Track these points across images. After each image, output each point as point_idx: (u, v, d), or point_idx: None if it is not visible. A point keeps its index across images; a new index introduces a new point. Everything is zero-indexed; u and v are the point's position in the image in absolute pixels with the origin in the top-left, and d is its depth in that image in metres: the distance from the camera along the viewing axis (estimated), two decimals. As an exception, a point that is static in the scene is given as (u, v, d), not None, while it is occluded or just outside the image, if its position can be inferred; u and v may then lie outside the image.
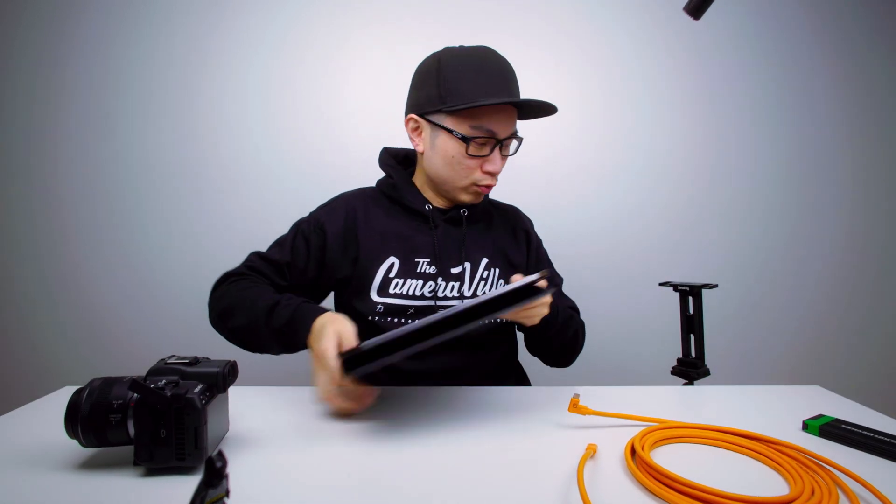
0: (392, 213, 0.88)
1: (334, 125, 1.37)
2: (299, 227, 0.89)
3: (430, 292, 0.82)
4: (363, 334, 0.61)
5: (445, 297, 0.84)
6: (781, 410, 0.61)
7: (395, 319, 0.81)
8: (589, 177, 1.42)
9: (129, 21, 1.34)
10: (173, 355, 0.47)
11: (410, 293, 0.81)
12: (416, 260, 0.83)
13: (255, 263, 0.86)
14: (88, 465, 0.44)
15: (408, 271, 0.82)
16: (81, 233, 1.35)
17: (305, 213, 1.42)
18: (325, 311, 0.67)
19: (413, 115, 0.83)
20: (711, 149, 1.43)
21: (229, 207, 1.37)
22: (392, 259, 0.82)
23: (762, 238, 1.43)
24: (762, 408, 0.63)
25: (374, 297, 0.81)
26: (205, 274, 1.37)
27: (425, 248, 0.84)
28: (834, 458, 0.47)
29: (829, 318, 1.46)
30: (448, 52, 0.82)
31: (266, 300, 0.73)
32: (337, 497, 0.40)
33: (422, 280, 0.82)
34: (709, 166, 1.43)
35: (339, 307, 0.89)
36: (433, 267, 0.84)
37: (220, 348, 1.43)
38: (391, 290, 0.81)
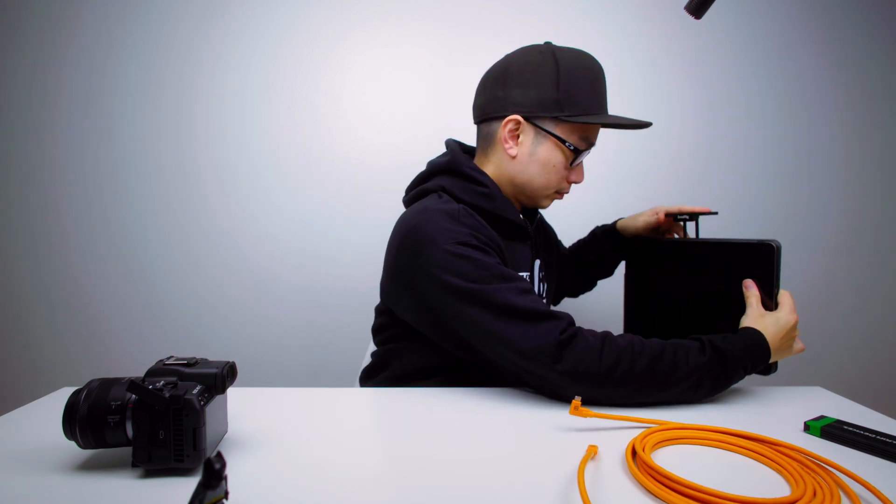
0: (491, 225, 0.75)
1: (333, 126, 1.37)
2: (486, 259, 0.66)
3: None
4: None
5: None
6: (783, 411, 0.61)
7: None
8: (591, 175, 1.42)
9: (125, 22, 1.34)
10: (171, 356, 0.47)
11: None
12: (521, 274, 0.78)
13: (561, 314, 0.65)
14: (86, 467, 0.44)
15: (533, 280, 0.83)
16: (79, 234, 1.35)
17: (301, 215, 1.42)
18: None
19: (516, 117, 0.75)
20: (710, 149, 1.43)
21: (228, 208, 1.37)
22: (524, 274, 0.79)
23: (763, 237, 1.43)
24: (763, 409, 0.62)
25: None
26: (203, 275, 1.38)
27: (525, 261, 0.80)
28: (836, 460, 0.47)
29: (831, 318, 1.46)
30: (563, 52, 0.75)
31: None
32: (337, 498, 0.40)
33: (541, 283, 0.85)
34: (706, 166, 1.43)
35: None
36: (542, 271, 0.86)
37: (218, 349, 1.44)
38: None
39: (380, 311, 0.83)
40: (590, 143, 0.77)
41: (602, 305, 1.37)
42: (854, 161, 1.45)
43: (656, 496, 0.40)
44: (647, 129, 1.41)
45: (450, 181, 0.77)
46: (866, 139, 1.45)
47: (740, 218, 1.43)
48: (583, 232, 1.34)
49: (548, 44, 0.78)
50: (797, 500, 0.38)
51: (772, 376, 0.69)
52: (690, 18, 0.66)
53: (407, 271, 0.68)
